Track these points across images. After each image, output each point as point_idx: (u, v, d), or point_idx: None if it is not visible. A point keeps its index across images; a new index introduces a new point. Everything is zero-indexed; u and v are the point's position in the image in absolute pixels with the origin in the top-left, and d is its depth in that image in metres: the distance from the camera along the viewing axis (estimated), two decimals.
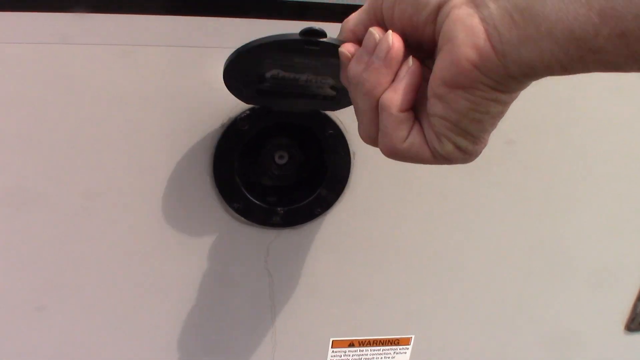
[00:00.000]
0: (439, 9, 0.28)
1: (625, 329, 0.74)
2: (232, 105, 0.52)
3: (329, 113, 0.54)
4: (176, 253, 0.58)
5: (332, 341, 0.66)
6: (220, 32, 0.50)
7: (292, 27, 0.41)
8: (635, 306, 0.72)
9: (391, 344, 0.68)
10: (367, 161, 0.57)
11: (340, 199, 0.58)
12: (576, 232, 0.66)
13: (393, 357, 0.69)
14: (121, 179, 0.54)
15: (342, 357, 0.68)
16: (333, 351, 0.67)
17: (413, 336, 0.68)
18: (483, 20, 0.26)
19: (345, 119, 0.55)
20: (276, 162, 0.56)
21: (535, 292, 0.69)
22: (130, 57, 0.50)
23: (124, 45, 0.49)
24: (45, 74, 0.49)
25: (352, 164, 0.57)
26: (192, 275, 0.59)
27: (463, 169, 0.38)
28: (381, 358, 0.69)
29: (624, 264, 0.69)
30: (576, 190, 0.64)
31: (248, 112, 0.52)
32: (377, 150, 0.36)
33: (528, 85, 0.30)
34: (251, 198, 0.55)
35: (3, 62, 0.48)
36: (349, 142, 0.56)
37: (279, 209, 0.56)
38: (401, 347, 0.69)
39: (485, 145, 0.33)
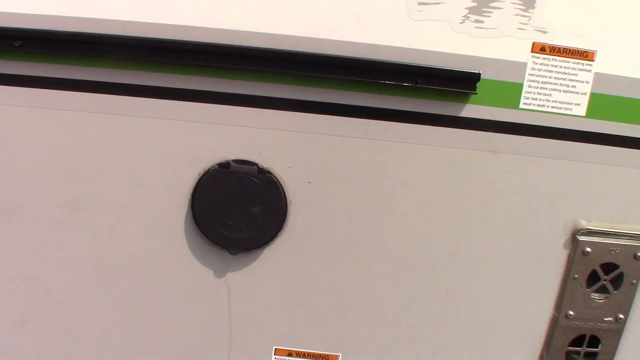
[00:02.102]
0: None
1: None
2: (207, 161, 0.80)
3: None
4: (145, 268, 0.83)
5: (275, 349, 0.87)
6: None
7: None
8: None
9: (321, 359, 0.87)
10: (303, 207, 0.82)
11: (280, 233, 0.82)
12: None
13: None
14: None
15: None
16: (275, 357, 0.87)
17: (340, 355, 0.87)
18: None
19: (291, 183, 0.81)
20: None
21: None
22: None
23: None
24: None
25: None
26: (164, 287, 0.84)
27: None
28: None
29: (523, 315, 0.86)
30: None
31: (216, 166, 0.79)
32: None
33: None
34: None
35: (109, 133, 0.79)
36: (286, 192, 0.81)
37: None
38: None
39: None
